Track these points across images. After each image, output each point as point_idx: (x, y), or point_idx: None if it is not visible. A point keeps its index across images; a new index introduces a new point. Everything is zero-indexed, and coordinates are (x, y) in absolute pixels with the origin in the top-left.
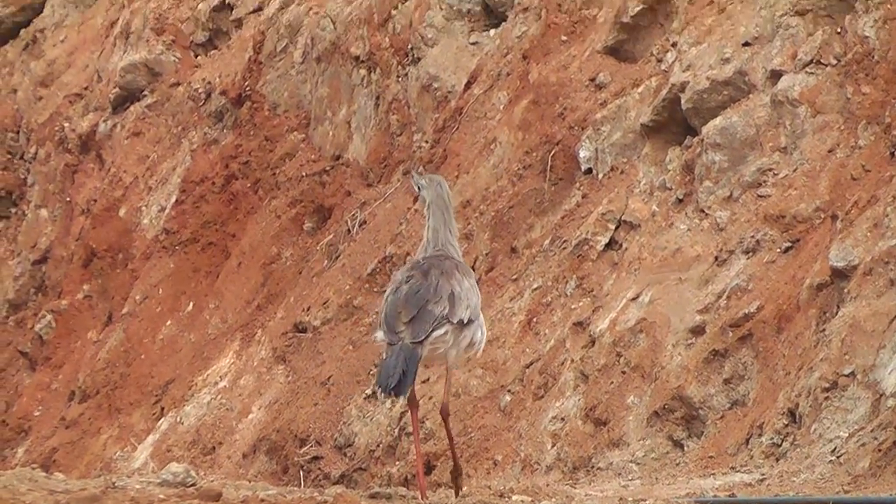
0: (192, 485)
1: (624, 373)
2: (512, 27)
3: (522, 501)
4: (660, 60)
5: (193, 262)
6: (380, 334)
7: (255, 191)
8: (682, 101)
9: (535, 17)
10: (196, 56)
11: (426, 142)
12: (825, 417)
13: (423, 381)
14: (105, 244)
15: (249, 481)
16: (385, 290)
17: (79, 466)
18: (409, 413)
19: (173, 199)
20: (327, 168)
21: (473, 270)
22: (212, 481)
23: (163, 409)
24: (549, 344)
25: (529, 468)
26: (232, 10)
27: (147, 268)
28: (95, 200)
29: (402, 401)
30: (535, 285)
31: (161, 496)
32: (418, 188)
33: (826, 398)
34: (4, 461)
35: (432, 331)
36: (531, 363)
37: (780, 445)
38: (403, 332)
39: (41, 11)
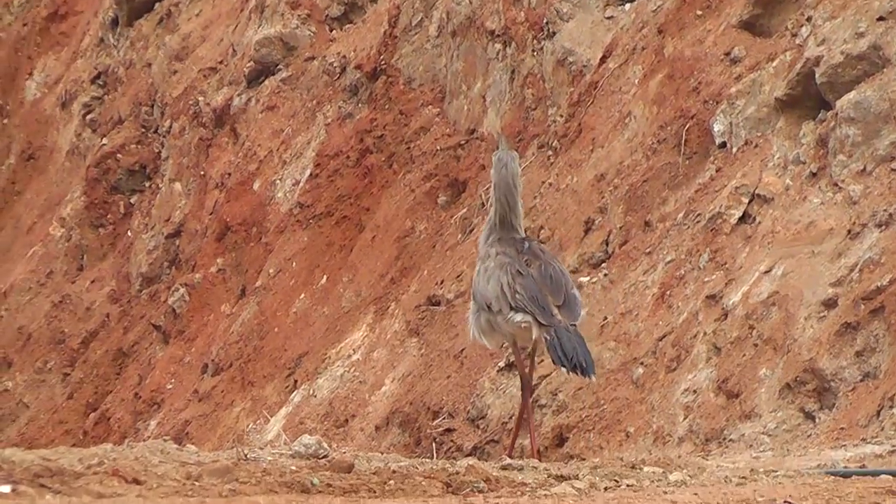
0: (324, 456)
1: (756, 345)
2: (647, 1)
3: (654, 472)
4: (794, 35)
5: (327, 236)
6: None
7: (390, 165)
8: (817, 76)
9: None
10: (331, 30)
11: (560, 116)
12: None
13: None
14: (239, 218)
15: (382, 453)
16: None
17: (211, 439)
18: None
19: (307, 173)
20: (462, 142)
21: (607, 245)
22: (343, 453)
23: (296, 381)
24: (682, 317)
25: (661, 440)
26: None
27: (281, 241)
28: (229, 174)
29: (594, 379)
30: (668, 258)
31: (293, 468)
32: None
33: None
34: (137, 433)
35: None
36: (664, 336)
37: None
38: (559, 315)
39: None
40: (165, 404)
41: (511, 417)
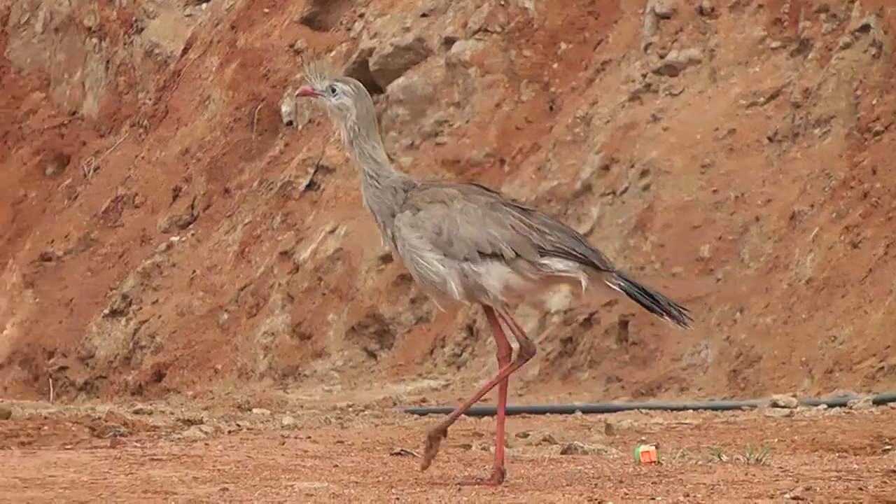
0: None
1: (324, 294)
2: (221, 1)
3: (263, 414)
4: (349, 29)
5: None
6: (558, 263)
7: (4, 141)
8: (370, 64)
9: None
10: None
11: (149, 99)
12: None
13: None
14: None
15: (6, 388)
16: (492, 217)
17: None
18: (140, 330)
19: None
20: (65, 122)
21: (192, 209)
22: (1, 401)
23: None
24: (260, 270)
25: (245, 376)
26: None
27: None
28: None
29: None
30: (246, 220)
31: None
32: (332, 91)
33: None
34: None
35: None
36: (245, 286)
37: (460, 356)
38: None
39: None
40: None
41: (116, 357)
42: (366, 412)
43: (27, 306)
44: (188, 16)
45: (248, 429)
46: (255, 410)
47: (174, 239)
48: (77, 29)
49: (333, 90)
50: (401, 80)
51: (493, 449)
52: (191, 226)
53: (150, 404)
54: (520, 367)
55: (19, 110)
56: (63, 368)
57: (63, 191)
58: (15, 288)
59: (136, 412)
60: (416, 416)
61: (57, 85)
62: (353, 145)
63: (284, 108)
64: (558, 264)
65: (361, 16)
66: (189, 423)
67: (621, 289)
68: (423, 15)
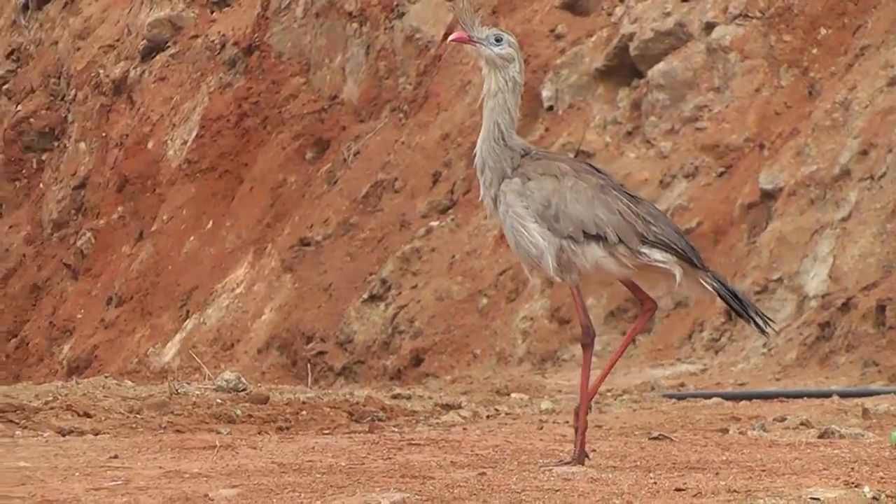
0: (243, 390)
1: None
2: None
3: (521, 399)
4: (610, 14)
5: (212, 188)
6: (657, 254)
7: (264, 127)
8: (630, 49)
9: None
10: (212, 12)
11: (410, 84)
12: None
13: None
14: (136, 172)
15: (264, 373)
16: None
17: (116, 361)
18: (399, 315)
19: (194, 134)
20: (325, 107)
21: (452, 194)
22: (259, 387)
23: (188, 311)
24: None
25: (503, 361)
26: None
27: (172, 192)
28: (127, 135)
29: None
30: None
31: (218, 400)
32: (497, 40)
33: (758, 300)
34: (52, 356)
35: None
36: (504, 271)
37: (718, 340)
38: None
39: None
40: (76, 331)
41: (375, 342)
42: (624, 396)
43: (286, 291)
44: (449, 1)
45: (506, 413)
46: (513, 395)
47: (433, 224)
48: (338, 14)
49: (499, 39)
50: (661, 65)
51: (750, 433)
52: (450, 210)
53: (409, 389)
54: (588, 354)
55: (279, 95)
56: (321, 353)
57: (322, 175)
58: (274, 273)
59: (395, 397)
60: (674, 400)
61: (317, 70)
62: (497, 97)
63: (545, 93)
64: (657, 255)
65: (622, 1)
66: (447, 407)
67: (714, 289)
68: (684, 0)
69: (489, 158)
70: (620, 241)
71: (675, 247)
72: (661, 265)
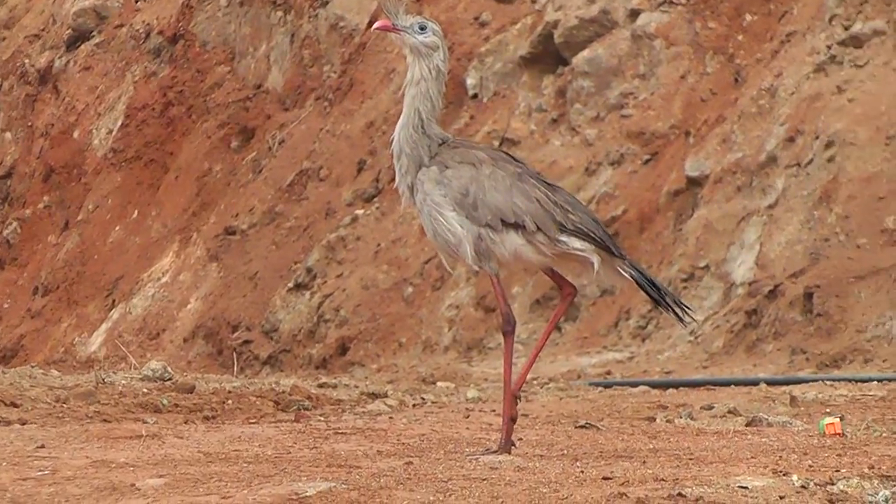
0: (169, 379)
1: None
2: None
3: (447, 387)
4: (534, 2)
5: (137, 177)
6: (576, 242)
7: (189, 115)
8: (555, 36)
9: None
10: (136, 1)
11: (334, 73)
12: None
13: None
14: (62, 161)
15: (190, 363)
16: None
17: (43, 350)
18: (325, 304)
19: (119, 123)
20: (250, 95)
21: (378, 182)
22: (186, 376)
23: (114, 301)
24: None
25: (430, 349)
26: None
27: (98, 181)
28: (52, 125)
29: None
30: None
31: (144, 390)
32: (422, 28)
33: (684, 287)
34: None
35: None
36: (429, 260)
37: (644, 328)
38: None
39: None
40: (2, 321)
41: (300, 330)
42: (550, 385)
43: (211, 280)
44: None
45: (432, 402)
46: (439, 384)
47: (359, 212)
48: (262, 2)
49: (423, 28)
50: (586, 53)
51: (677, 422)
52: (375, 199)
53: (335, 378)
54: (509, 343)
55: (204, 84)
56: (247, 342)
57: (248, 164)
58: (199, 262)
59: (321, 386)
60: (600, 388)
61: (242, 58)
62: (421, 85)
63: (470, 81)
64: (576, 243)
65: None
66: (373, 396)
67: (631, 277)
68: None
69: (406, 145)
70: (539, 229)
71: (593, 235)
72: (579, 253)
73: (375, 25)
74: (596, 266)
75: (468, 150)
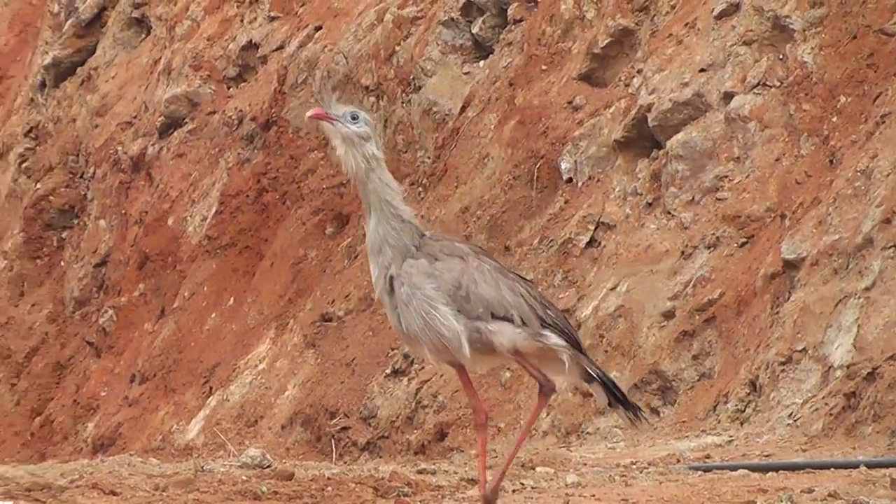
0: (268, 466)
1: (606, 351)
2: (499, 59)
3: (547, 472)
4: (627, 85)
5: (232, 264)
6: (554, 338)
7: (283, 202)
8: (649, 120)
9: (519, 50)
10: (229, 88)
11: (428, 158)
12: (782, 387)
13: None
14: (156, 249)
15: (289, 449)
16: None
17: (141, 438)
18: (422, 390)
19: (213, 210)
20: (344, 181)
21: None
22: (284, 463)
23: (211, 388)
24: None
25: (528, 434)
26: (258, 48)
27: (193, 269)
28: (146, 212)
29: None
30: (528, 278)
31: (244, 477)
32: (353, 118)
33: (782, 370)
34: (77, 434)
35: None
36: None
37: (743, 411)
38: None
39: (94, 52)
40: (100, 409)
41: (398, 416)
42: (649, 469)
43: (308, 367)
44: (466, 73)
45: (531, 487)
46: (538, 469)
47: None
48: (354, 88)
49: (355, 117)
50: (680, 136)
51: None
52: None
53: (434, 464)
54: (483, 436)
55: (298, 170)
56: (345, 429)
57: (343, 250)
58: (296, 349)
59: (420, 472)
60: (700, 472)
61: None
62: (370, 176)
63: (564, 165)
64: (554, 338)
65: (639, 72)
66: (473, 482)
67: (596, 375)
68: (702, 70)
69: (389, 239)
70: (524, 323)
71: (567, 331)
72: (557, 348)
73: (308, 114)
74: (567, 363)
75: (452, 243)
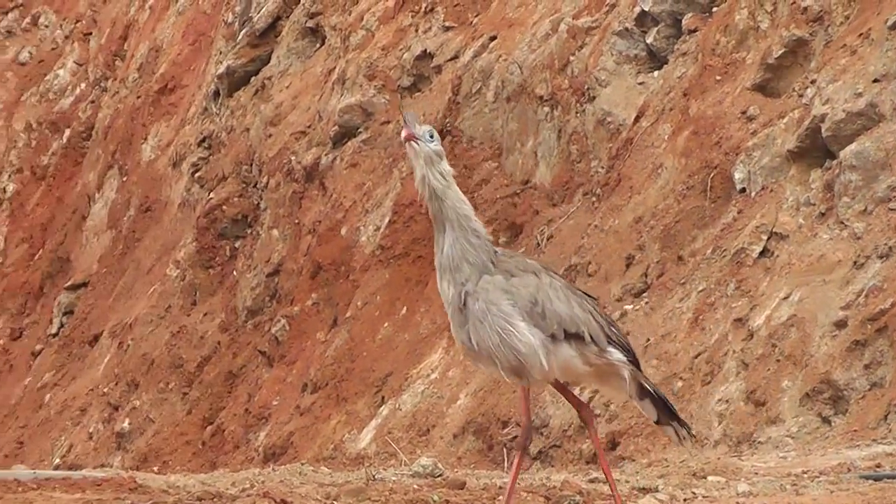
0: (440, 475)
1: (778, 361)
2: (673, 69)
3: (718, 482)
4: (801, 95)
5: (405, 273)
6: (618, 354)
7: None
8: (822, 130)
9: (693, 60)
10: (402, 98)
11: (602, 167)
12: None
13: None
14: (329, 259)
15: (460, 458)
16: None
17: (312, 448)
18: (594, 399)
19: (387, 220)
20: (517, 191)
21: (646, 277)
22: (456, 472)
23: (383, 397)
24: (714, 337)
25: (699, 443)
26: (432, 58)
27: (366, 278)
28: (320, 222)
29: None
30: (700, 288)
31: (415, 486)
32: (431, 136)
33: None
34: (248, 443)
35: None
36: (698, 354)
37: None
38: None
39: (268, 62)
40: (272, 418)
41: (570, 426)
42: (820, 478)
43: (481, 376)
44: (640, 83)
45: (703, 496)
46: (709, 478)
47: (627, 307)
48: (528, 98)
49: (432, 135)
50: (853, 146)
51: None
52: (644, 293)
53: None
54: (520, 457)
55: (472, 180)
56: (517, 438)
57: None
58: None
59: (591, 481)
60: (871, 481)
61: (509, 154)
62: (447, 193)
63: (737, 175)
64: (618, 355)
65: (813, 82)
66: (644, 491)
67: (653, 390)
68: (875, 80)
69: (468, 255)
70: (592, 340)
71: (628, 348)
72: (620, 364)
73: (403, 136)
74: (628, 379)
75: (524, 260)
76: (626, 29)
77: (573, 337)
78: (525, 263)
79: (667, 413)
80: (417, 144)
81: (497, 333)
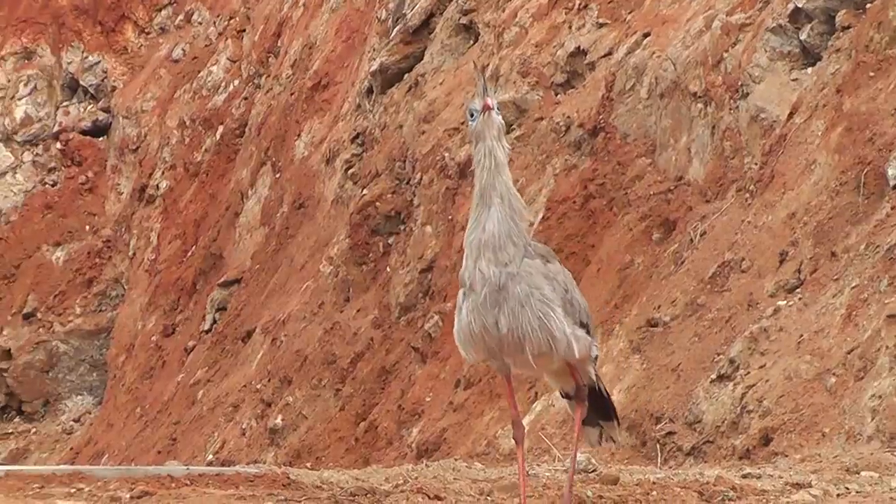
0: (594, 471)
1: None
2: (826, 66)
3: (871, 477)
4: None
5: None
6: (596, 349)
7: (610, 208)
8: None
9: (847, 57)
10: (556, 94)
11: (755, 164)
12: None
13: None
14: None
15: (614, 454)
16: None
17: (465, 443)
18: (748, 394)
19: (540, 216)
20: (671, 187)
21: (800, 273)
22: (609, 467)
23: (536, 393)
24: (867, 333)
25: (852, 439)
26: (586, 55)
27: None
28: None
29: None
30: (853, 284)
31: None
32: (497, 110)
33: None
34: (401, 439)
35: None
36: (851, 350)
37: None
38: None
39: (422, 59)
40: (425, 414)
41: (724, 421)
42: None
43: (634, 372)
44: (794, 80)
45: (856, 492)
46: (863, 473)
47: (781, 303)
48: (682, 95)
49: (497, 109)
50: None
51: None
52: (797, 290)
53: (758, 468)
54: (519, 451)
55: (625, 176)
56: (670, 433)
57: (669, 256)
58: (622, 354)
59: (745, 476)
60: None
61: (662, 151)
62: (506, 168)
63: (891, 172)
64: (594, 350)
65: None
66: (797, 486)
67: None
68: None
69: (513, 235)
70: (592, 334)
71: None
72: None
73: (481, 105)
74: (592, 372)
75: (544, 246)
76: (780, 26)
77: (584, 328)
78: (548, 250)
79: (613, 412)
80: (496, 115)
81: (539, 318)
